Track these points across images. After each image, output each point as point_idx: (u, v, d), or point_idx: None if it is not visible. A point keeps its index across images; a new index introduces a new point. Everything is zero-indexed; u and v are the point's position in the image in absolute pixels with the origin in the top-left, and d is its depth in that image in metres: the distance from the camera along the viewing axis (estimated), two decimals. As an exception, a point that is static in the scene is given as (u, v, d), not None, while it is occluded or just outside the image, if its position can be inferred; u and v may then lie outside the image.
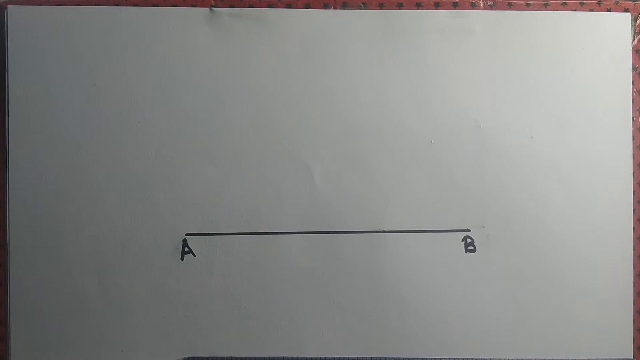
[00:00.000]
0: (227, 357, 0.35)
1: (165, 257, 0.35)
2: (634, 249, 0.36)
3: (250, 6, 0.35)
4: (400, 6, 0.36)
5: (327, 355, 0.35)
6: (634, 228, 0.36)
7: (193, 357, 0.34)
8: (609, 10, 0.36)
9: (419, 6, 0.36)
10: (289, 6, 0.35)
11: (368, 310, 0.35)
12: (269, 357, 0.35)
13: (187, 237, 0.35)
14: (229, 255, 0.35)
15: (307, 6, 0.35)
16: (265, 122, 0.35)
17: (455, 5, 0.36)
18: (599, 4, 0.36)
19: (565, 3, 0.36)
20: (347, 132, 0.35)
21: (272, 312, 0.35)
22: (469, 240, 0.36)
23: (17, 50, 0.34)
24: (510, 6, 0.36)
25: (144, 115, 0.35)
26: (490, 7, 0.36)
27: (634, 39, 0.36)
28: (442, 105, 0.36)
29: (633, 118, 0.36)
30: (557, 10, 0.36)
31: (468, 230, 0.36)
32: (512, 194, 0.36)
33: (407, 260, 0.35)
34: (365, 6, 0.36)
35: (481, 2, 0.36)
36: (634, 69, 0.36)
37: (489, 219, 0.36)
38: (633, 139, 0.36)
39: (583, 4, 0.36)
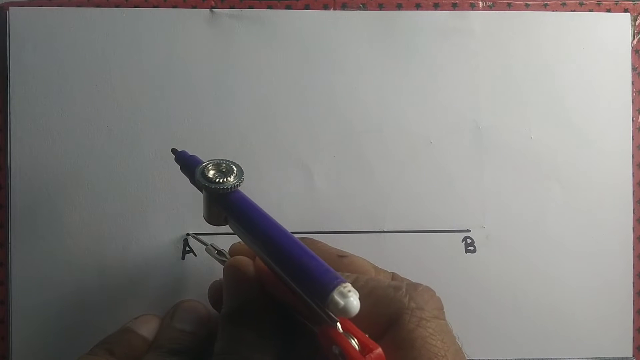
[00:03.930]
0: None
1: (166, 256, 0.35)
2: (633, 249, 0.36)
3: (251, 7, 0.35)
4: (399, 7, 0.36)
5: (327, 355, 0.35)
6: (633, 228, 0.36)
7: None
8: (608, 11, 0.36)
9: (418, 7, 0.36)
10: (288, 7, 0.36)
11: (368, 310, 0.35)
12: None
13: (188, 237, 0.35)
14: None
15: (307, 7, 0.36)
16: (265, 123, 0.35)
17: (454, 6, 0.36)
18: (599, 4, 0.36)
19: (564, 3, 0.36)
20: (346, 132, 0.35)
21: (272, 312, 0.35)
22: (469, 241, 0.36)
23: (18, 52, 0.34)
24: (509, 7, 0.36)
25: (145, 116, 0.35)
26: (490, 8, 0.36)
27: (633, 39, 0.36)
28: (442, 106, 0.36)
29: (633, 118, 0.36)
30: (556, 10, 0.36)
31: (468, 231, 0.36)
32: (512, 194, 0.36)
33: (407, 260, 0.35)
34: (364, 7, 0.36)
35: (480, 2, 0.36)
36: (634, 69, 0.36)
37: (489, 219, 0.36)
38: (633, 139, 0.36)
39: (582, 4, 0.36)
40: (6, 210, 0.34)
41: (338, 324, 0.20)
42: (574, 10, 0.36)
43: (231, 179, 0.24)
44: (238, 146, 0.35)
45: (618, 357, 0.35)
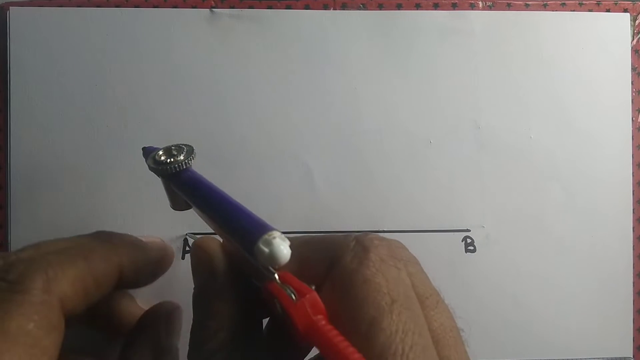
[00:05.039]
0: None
1: (165, 256, 0.35)
2: (633, 249, 0.36)
3: (251, 7, 0.35)
4: (399, 7, 0.36)
5: (327, 355, 0.35)
6: (633, 228, 0.36)
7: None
8: (608, 11, 0.36)
9: (418, 7, 0.36)
10: (288, 7, 0.36)
11: (368, 310, 0.35)
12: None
13: (188, 236, 0.35)
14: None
15: (307, 7, 0.36)
16: (265, 122, 0.35)
17: (454, 6, 0.36)
18: (598, 4, 0.36)
19: (564, 3, 0.36)
20: (346, 132, 0.35)
21: (272, 312, 0.35)
22: (469, 241, 0.36)
23: (19, 51, 0.34)
24: (509, 7, 0.36)
25: (145, 116, 0.35)
26: (490, 8, 0.36)
27: (633, 39, 0.36)
28: (441, 106, 0.36)
29: (632, 118, 0.36)
30: (556, 10, 0.36)
31: (468, 231, 0.36)
32: (512, 194, 0.36)
33: (407, 260, 0.35)
34: (364, 7, 0.36)
35: (480, 2, 0.36)
36: (633, 69, 0.36)
37: (488, 219, 0.36)
38: (632, 139, 0.36)
39: (582, 4, 0.36)
40: (6, 210, 0.34)
41: (276, 276, 0.19)
42: (573, 11, 0.36)
43: (180, 157, 0.25)
44: (238, 146, 0.35)
45: (618, 357, 0.35)
